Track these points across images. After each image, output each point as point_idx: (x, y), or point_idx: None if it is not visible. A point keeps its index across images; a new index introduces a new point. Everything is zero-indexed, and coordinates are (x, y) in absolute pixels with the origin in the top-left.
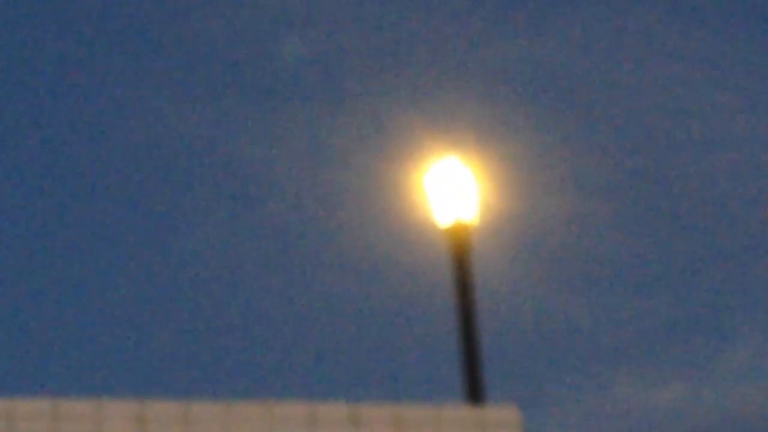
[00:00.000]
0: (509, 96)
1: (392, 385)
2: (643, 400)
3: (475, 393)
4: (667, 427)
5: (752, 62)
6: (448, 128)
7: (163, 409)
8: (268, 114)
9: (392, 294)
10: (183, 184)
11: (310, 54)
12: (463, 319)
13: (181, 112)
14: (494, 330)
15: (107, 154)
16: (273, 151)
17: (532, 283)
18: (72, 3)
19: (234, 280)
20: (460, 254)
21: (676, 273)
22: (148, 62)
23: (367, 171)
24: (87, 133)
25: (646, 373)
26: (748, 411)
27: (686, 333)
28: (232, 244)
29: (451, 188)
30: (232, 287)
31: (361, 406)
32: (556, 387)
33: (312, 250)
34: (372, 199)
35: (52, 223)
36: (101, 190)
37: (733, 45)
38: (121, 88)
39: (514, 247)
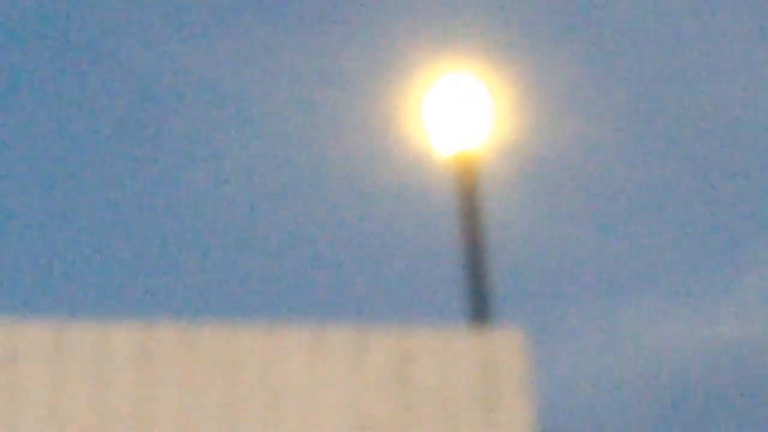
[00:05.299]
0: (518, 21)
1: (399, 314)
2: (651, 329)
3: (481, 319)
4: (674, 356)
5: None
6: (456, 53)
7: (167, 332)
8: (269, 40)
9: (400, 220)
10: (185, 114)
11: None
12: (470, 245)
13: (181, 43)
14: (502, 258)
15: (107, 85)
16: (273, 79)
17: (540, 210)
18: None
19: (240, 209)
20: (467, 180)
21: (686, 202)
22: None
23: (373, 97)
24: (86, 66)
25: (654, 302)
26: (757, 340)
27: (695, 262)
28: (234, 172)
29: (459, 114)
30: (238, 215)
31: (368, 330)
32: (563, 316)
33: (317, 176)
34: (377, 125)
35: (58, 149)
36: (109, 124)
37: None
38: (121, 17)
39: (521, 174)
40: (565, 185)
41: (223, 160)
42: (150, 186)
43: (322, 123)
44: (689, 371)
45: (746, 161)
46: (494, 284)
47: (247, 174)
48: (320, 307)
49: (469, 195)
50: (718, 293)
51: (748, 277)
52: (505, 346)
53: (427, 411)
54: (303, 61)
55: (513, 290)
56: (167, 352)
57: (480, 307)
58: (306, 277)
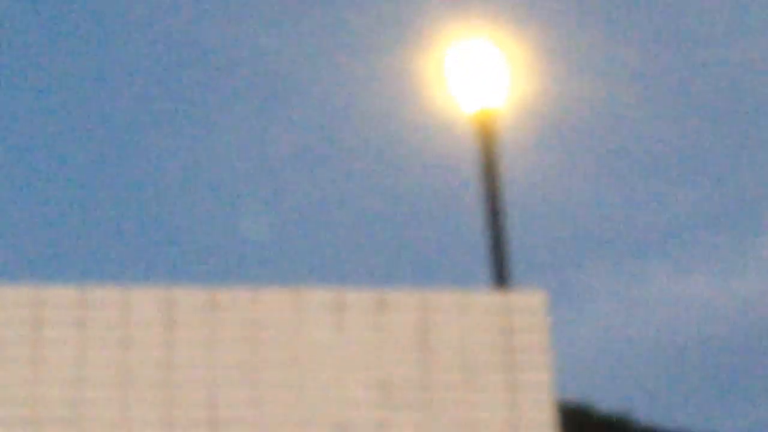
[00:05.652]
0: None
1: (421, 276)
2: (673, 289)
3: (502, 279)
4: (696, 316)
5: None
6: (476, 13)
7: (190, 295)
8: (287, 3)
9: (420, 180)
10: (209, 81)
11: None
12: (491, 206)
13: (200, 9)
14: (524, 218)
15: (131, 49)
16: (295, 43)
17: (562, 171)
18: None
19: (260, 172)
20: (487, 139)
21: (708, 162)
22: None
23: (393, 57)
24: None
25: (677, 263)
26: None
27: (717, 222)
28: (256, 136)
29: (479, 73)
30: (258, 179)
31: (389, 291)
32: (586, 276)
33: (338, 138)
34: (397, 85)
35: (80, 115)
36: (130, 86)
37: None
38: None
39: (542, 135)
40: (586, 146)
41: (241, 128)
42: (170, 150)
43: (352, 87)
44: (712, 328)
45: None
46: (515, 245)
47: (267, 140)
48: (342, 269)
49: (489, 155)
50: (741, 252)
51: None
52: (527, 306)
53: (448, 371)
54: (333, 34)
55: (534, 250)
56: (190, 314)
57: (501, 268)
58: (327, 239)
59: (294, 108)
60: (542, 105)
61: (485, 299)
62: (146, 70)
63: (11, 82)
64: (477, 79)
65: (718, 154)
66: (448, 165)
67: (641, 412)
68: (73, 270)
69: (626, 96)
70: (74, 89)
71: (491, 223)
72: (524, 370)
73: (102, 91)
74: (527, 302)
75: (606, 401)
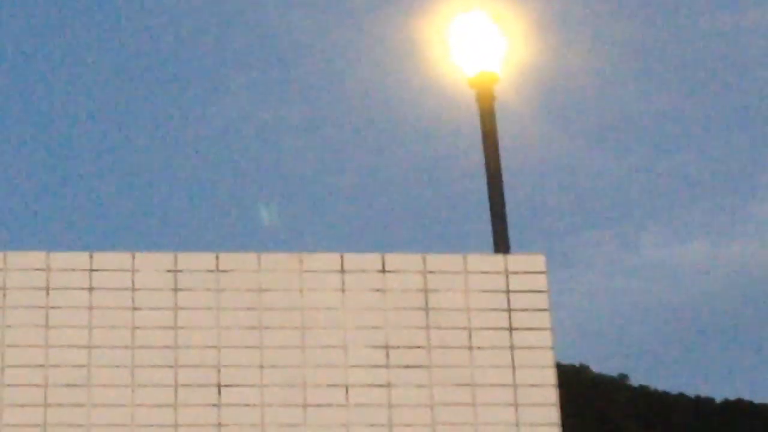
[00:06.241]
0: None
1: (422, 237)
2: (668, 255)
3: (502, 242)
4: (691, 280)
5: None
6: None
7: (195, 259)
8: None
9: (420, 147)
10: (210, 47)
11: None
12: (490, 171)
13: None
14: (523, 183)
15: (144, 17)
16: (301, 15)
17: (558, 137)
18: None
19: (266, 141)
20: (485, 105)
21: (701, 129)
22: None
23: (392, 24)
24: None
25: (671, 227)
26: None
27: (710, 189)
28: (262, 106)
29: (477, 40)
30: (260, 148)
31: (390, 255)
32: (582, 242)
33: (340, 105)
34: (397, 52)
35: (93, 87)
36: (145, 58)
37: None
38: None
39: (539, 100)
40: (584, 114)
41: (247, 98)
42: (181, 121)
43: (357, 53)
44: (706, 292)
45: (761, 93)
46: (512, 213)
47: (273, 109)
48: (345, 234)
49: (488, 119)
50: (733, 216)
51: (765, 203)
52: (527, 268)
53: (451, 332)
54: (341, 12)
55: (533, 215)
56: (195, 278)
57: (501, 231)
58: (330, 204)
59: (295, 74)
60: (539, 75)
61: (486, 261)
62: (158, 50)
63: (17, 81)
64: (477, 46)
65: (711, 121)
66: (450, 131)
67: (636, 374)
68: (82, 236)
69: (621, 66)
70: (85, 56)
71: (492, 187)
72: (525, 331)
73: (108, 57)
74: (527, 264)
75: (601, 364)
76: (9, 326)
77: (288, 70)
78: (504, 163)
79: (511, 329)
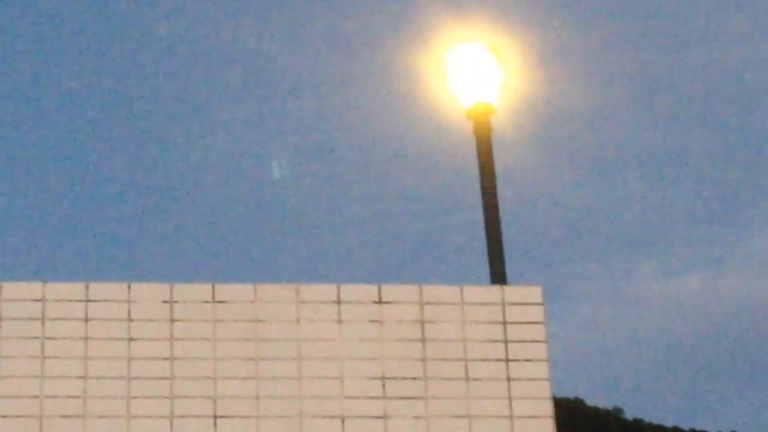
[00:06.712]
0: None
1: (418, 268)
2: (664, 288)
3: (498, 274)
4: (686, 313)
5: None
6: (472, 12)
7: (191, 290)
8: (288, 3)
9: (417, 176)
10: (207, 81)
11: None
12: (486, 202)
13: (199, 10)
14: (518, 216)
15: (133, 47)
16: (292, 42)
17: (554, 169)
18: None
19: (259, 172)
20: (482, 136)
21: (697, 163)
22: None
23: (390, 56)
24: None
25: (666, 261)
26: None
27: (705, 222)
28: (254, 137)
29: (474, 71)
30: (257, 179)
31: (387, 286)
32: (578, 273)
33: (336, 134)
34: (394, 83)
35: (89, 114)
36: (138, 90)
37: None
38: None
39: (535, 132)
40: (580, 146)
41: (239, 128)
42: (172, 151)
43: (354, 84)
44: (701, 326)
45: (757, 123)
46: (511, 240)
47: (265, 139)
48: (342, 266)
49: (484, 150)
50: (728, 250)
51: (759, 236)
52: (523, 301)
53: (447, 363)
54: (338, 34)
55: (530, 247)
56: (192, 309)
57: (498, 262)
58: (326, 236)
59: (293, 105)
60: (536, 107)
61: (483, 293)
62: (153, 73)
63: (16, 85)
64: (474, 77)
65: (707, 154)
66: (447, 163)
67: (630, 407)
68: (78, 267)
69: (617, 98)
70: (80, 91)
71: (488, 220)
72: (522, 362)
73: (105, 93)
74: (524, 296)
75: (596, 397)
76: (4, 357)
77: (284, 101)
78: (500, 194)
79: (507, 360)
